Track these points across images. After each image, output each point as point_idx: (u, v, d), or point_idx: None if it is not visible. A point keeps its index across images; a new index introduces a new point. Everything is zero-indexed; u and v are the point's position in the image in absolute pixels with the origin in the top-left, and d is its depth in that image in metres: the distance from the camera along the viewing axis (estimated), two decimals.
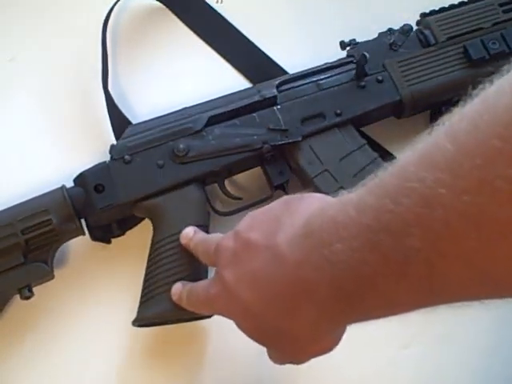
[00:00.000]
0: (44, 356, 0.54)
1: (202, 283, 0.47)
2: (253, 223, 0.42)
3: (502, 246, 0.27)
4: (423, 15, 0.60)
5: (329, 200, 0.38)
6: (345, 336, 0.53)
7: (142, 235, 0.56)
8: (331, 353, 0.52)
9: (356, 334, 0.52)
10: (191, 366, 0.55)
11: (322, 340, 0.40)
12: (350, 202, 0.34)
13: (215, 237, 0.47)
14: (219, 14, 0.67)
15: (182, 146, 0.54)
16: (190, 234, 0.51)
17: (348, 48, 0.59)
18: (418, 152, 0.31)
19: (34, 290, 0.52)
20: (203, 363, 0.55)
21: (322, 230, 0.35)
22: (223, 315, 0.44)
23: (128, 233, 0.58)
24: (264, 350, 0.45)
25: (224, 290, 0.41)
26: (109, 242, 0.57)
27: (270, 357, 0.46)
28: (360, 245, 0.32)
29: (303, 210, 0.38)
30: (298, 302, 0.37)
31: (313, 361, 0.52)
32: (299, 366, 0.52)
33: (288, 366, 0.52)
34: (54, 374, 0.54)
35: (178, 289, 0.49)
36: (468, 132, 0.28)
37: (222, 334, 0.54)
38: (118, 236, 0.57)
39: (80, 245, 0.57)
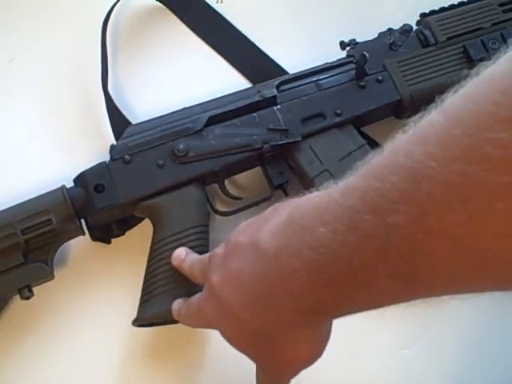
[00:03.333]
0: (44, 356, 0.54)
1: (195, 295, 0.46)
2: (243, 228, 0.41)
3: (488, 218, 0.26)
4: (423, 15, 0.60)
5: (312, 193, 0.37)
6: (345, 336, 0.53)
7: (141, 235, 0.56)
8: (331, 353, 0.53)
9: (356, 335, 0.53)
10: (191, 365, 0.55)
11: (300, 342, 0.39)
12: (336, 188, 0.33)
13: (208, 254, 0.47)
14: (219, 13, 0.67)
15: (181, 146, 0.54)
16: (181, 255, 0.50)
17: (348, 48, 0.59)
18: (410, 131, 0.30)
19: (34, 290, 0.52)
20: (203, 363, 0.55)
21: (305, 217, 0.34)
22: (212, 325, 0.43)
23: (128, 233, 0.58)
24: None
25: (212, 295, 0.41)
26: (109, 242, 0.57)
27: (262, 378, 0.44)
28: (342, 227, 0.31)
29: (289, 206, 0.38)
30: (275, 295, 0.36)
31: None
32: None
33: None
34: (54, 374, 0.54)
35: (177, 305, 0.49)
36: (462, 105, 0.28)
37: None
38: (118, 236, 0.57)
39: (80, 245, 0.56)
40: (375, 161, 0.31)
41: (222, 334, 0.42)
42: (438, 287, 0.31)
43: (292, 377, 0.42)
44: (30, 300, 0.52)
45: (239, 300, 0.38)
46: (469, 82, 0.29)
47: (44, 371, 0.54)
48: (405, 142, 0.30)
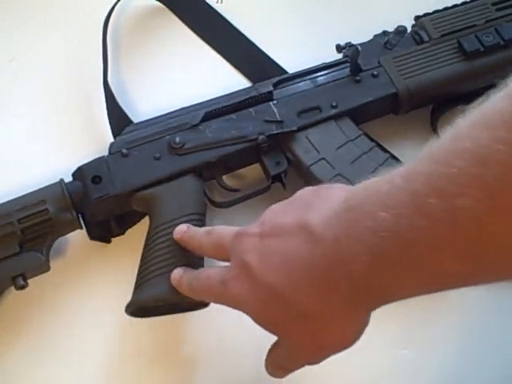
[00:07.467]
0: (40, 350, 0.54)
1: (212, 269, 0.45)
2: (279, 211, 0.40)
3: None
4: (417, 18, 0.61)
5: (367, 181, 0.37)
6: None
7: (140, 230, 0.56)
8: None
9: None
10: (190, 365, 0.54)
11: (349, 324, 0.38)
12: (396, 174, 0.34)
13: (220, 228, 0.46)
14: (219, 14, 0.67)
15: (178, 138, 0.54)
16: (183, 228, 0.50)
17: (344, 50, 0.60)
18: (471, 117, 0.31)
19: (32, 285, 0.52)
20: (203, 363, 0.54)
21: (364, 203, 0.34)
22: (239, 305, 0.41)
23: (127, 231, 0.57)
24: (263, 346, 0.44)
25: (244, 275, 0.40)
26: (109, 241, 0.57)
27: (281, 360, 0.43)
28: (407, 211, 0.32)
29: (338, 192, 0.38)
30: (334, 281, 0.36)
31: None
32: None
33: None
34: (49, 367, 0.53)
35: (178, 273, 0.48)
36: None
37: (222, 333, 0.54)
38: (118, 235, 0.57)
39: (78, 240, 0.56)
40: (436, 147, 0.32)
41: (251, 313, 0.41)
42: (506, 269, 0.31)
43: (320, 361, 0.42)
44: (27, 294, 0.52)
45: (288, 284, 0.38)
46: None
47: (40, 365, 0.53)
48: (468, 128, 0.30)
